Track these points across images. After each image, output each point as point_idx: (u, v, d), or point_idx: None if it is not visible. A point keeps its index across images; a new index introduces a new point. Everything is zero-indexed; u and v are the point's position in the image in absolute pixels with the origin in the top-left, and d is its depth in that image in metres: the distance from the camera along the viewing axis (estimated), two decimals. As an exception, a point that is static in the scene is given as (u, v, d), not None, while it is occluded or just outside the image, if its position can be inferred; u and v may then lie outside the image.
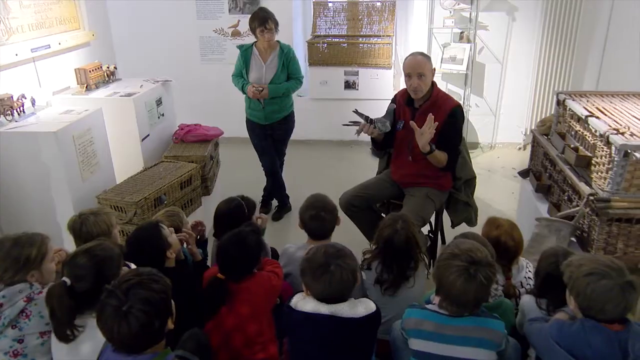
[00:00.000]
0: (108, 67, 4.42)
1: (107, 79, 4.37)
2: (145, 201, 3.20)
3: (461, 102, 5.37)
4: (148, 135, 4.10)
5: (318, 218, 2.52)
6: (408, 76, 3.02)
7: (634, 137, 2.67)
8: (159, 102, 4.29)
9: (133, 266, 2.49)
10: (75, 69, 4.15)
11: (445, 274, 1.79)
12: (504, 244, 2.36)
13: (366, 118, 3.04)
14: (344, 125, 3.16)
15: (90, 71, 4.15)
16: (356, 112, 3.07)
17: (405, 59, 3.07)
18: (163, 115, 4.35)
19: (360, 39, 5.66)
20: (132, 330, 1.51)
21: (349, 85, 5.73)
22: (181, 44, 5.87)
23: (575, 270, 1.74)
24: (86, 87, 4.11)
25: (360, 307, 1.90)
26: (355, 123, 3.08)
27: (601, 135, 2.81)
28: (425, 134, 2.85)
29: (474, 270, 1.74)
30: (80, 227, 2.32)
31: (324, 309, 1.88)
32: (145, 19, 5.81)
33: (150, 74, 4.61)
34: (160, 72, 4.74)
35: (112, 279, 1.82)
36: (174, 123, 4.52)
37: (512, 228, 2.42)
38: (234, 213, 2.61)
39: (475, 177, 3.38)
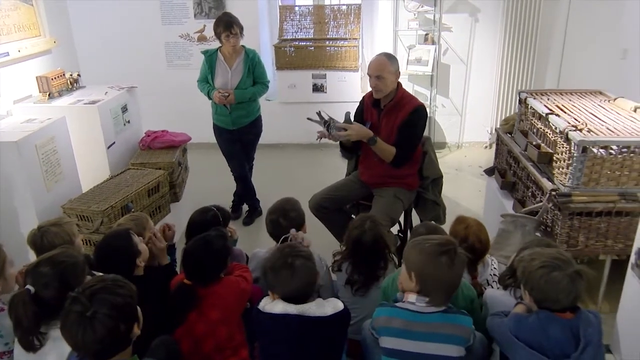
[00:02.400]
0: (71, 75, 4.34)
1: (70, 86, 4.28)
2: (111, 209, 3.15)
3: (427, 103, 5.50)
4: (114, 142, 4.03)
5: (275, 223, 2.52)
6: (369, 76, 3.09)
7: (592, 133, 2.77)
8: (124, 109, 4.23)
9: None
10: (36, 77, 4.06)
11: (427, 260, 1.82)
12: (471, 245, 2.38)
13: (325, 122, 3.06)
14: (308, 119, 3.19)
15: (52, 79, 4.06)
16: (318, 113, 3.10)
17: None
18: (129, 122, 4.30)
19: (327, 42, 5.69)
20: (98, 336, 1.49)
21: (317, 88, 5.76)
22: (146, 49, 5.81)
23: (528, 265, 1.80)
24: (49, 95, 4.02)
25: (327, 307, 1.91)
26: (319, 121, 3.12)
27: (561, 132, 2.89)
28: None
29: (454, 252, 1.81)
30: (41, 241, 2.26)
31: (291, 309, 1.89)
32: (109, 25, 5.73)
33: (115, 81, 4.54)
34: (125, 79, 4.67)
35: (77, 285, 1.79)
36: (140, 130, 4.47)
37: (479, 229, 2.44)
38: (209, 224, 2.55)
39: (442, 176, 3.43)
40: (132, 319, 1.59)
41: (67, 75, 4.29)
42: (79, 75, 4.43)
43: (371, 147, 3.09)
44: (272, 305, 1.94)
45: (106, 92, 4.18)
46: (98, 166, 3.91)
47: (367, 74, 3.10)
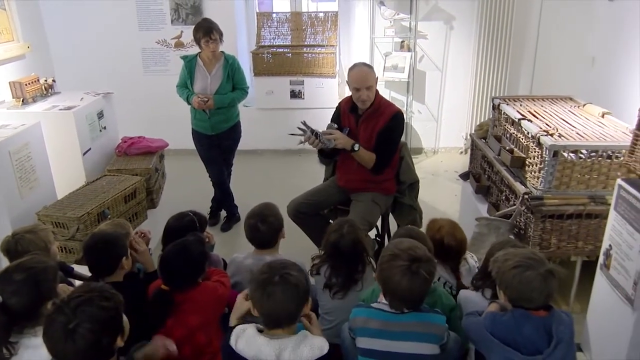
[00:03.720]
0: (46, 80, 4.29)
1: (45, 92, 4.23)
2: (88, 216, 3.12)
3: (404, 109, 5.56)
4: (90, 149, 4.00)
5: (253, 227, 2.52)
6: (356, 89, 3.08)
7: (562, 138, 2.85)
8: (100, 115, 4.20)
9: (77, 282, 2.44)
10: (9, 82, 4.01)
11: (389, 275, 1.84)
12: (447, 245, 2.43)
13: (312, 131, 3.06)
14: (290, 134, 3.19)
15: (26, 84, 4.01)
16: (303, 124, 3.09)
17: (350, 71, 3.13)
18: (105, 128, 4.26)
19: (305, 49, 5.73)
20: (79, 348, 1.47)
21: (294, 95, 5.78)
22: (123, 55, 5.76)
23: (502, 265, 1.85)
24: (22, 101, 3.97)
25: (305, 349, 1.73)
26: (301, 133, 3.12)
27: (533, 137, 2.97)
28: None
29: (416, 267, 1.81)
30: (15, 248, 2.23)
31: (267, 350, 1.72)
32: (85, 31, 5.66)
33: (91, 87, 4.50)
34: (101, 85, 4.64)
35: (48, 292, 1.77)
36: (117, 136, 4.43)
37: (453, 228, 2.49)
38: (185, 229, 2.55)
39: (418, 181, 3.48)
40: (115, 332, 1.58)
41: (42, 81, 4.25)
42: (53, 80, 4.38)
43: (353, 155, 3.12)
44: (244, 341, 1.77)
45: (82, 98, 4.14)
46: (74, 173, 3.86)
47: (354, 87, 3.08)
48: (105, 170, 3.88)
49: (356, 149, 3.09)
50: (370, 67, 3.17)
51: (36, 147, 3.51)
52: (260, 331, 1.79)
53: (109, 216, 3.26)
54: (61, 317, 1.49)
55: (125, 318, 1.64)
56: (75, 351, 1.48)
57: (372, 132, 3.16)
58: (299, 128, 3.09)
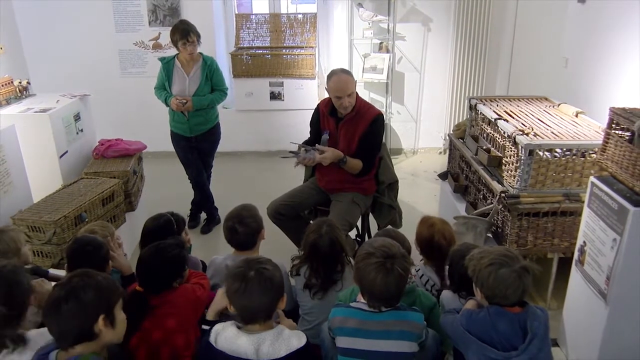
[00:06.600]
0: (20, 82, 4.21)
1: (19, 94, 4.16)
2: (64, 220, 3.08)
3: (383, 110, 5.61)
4: (66, 151, 3.94)
5: (231, 229, 2.51)
6: (337, 98, 3.08)
7: (537, 137, 2.90)
8: (77, 118, 4.14)
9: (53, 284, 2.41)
10: (-18, 85, 3.94)
11: (364, 274, 1.86)
12: (437, 243, 2.48)
13: (305, 150, 3.09)
14: (282, 157, 3.21)
15: (-1, 86, 3.95)
16: (293, 147, 3.12)
17: (329, 79, 3.12)
18: (82, 130, 4.21)
19: (284, 51, 5.73)
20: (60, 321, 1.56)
21: (274, 96, 5.78)
22: (100, 57, 5.68)
23: (477, 264, 1.87)
24: (-5, 104, 3.91)
25: (282, 345, 1.75)
26: (293, 154, 3.12)
27: (509, 136, 3.02)
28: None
29: (390, 264, 1.83)
30: None
31: (245, 344, 1.75)
32: (60, 32, 5.58)
33: (68, 89, 4.43)
34: (78, 87, 4.57)
35: (22, 299, 1.74)
36: (94, 138, 4.38)
37: (444, 227, 2.54)
38: (162, 230, 2.54)
39: (397, 181, 3.51)
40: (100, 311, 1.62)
41: (16, 83, 4.17)
42: (28, 82, 4.31)
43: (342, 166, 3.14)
44: (223, 339, 1.79)
45: (58, 100, 4.08)
46: (50, 176, 3.81)
47: (336, 96, 3.09)
48: (83, 173, 3.83)
49: (345, 161, 3.12)
50: (348, 73, 3.16)
51: (10, 150, 3.45)
52: (239, 328, 1.81)
53: (87, 220, 3.22)
54: (57, 292, 1.59)
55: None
56: (60, 321, 1.56)
57: (353, 136, 3.18)
58: (290, 151, 3.13)
